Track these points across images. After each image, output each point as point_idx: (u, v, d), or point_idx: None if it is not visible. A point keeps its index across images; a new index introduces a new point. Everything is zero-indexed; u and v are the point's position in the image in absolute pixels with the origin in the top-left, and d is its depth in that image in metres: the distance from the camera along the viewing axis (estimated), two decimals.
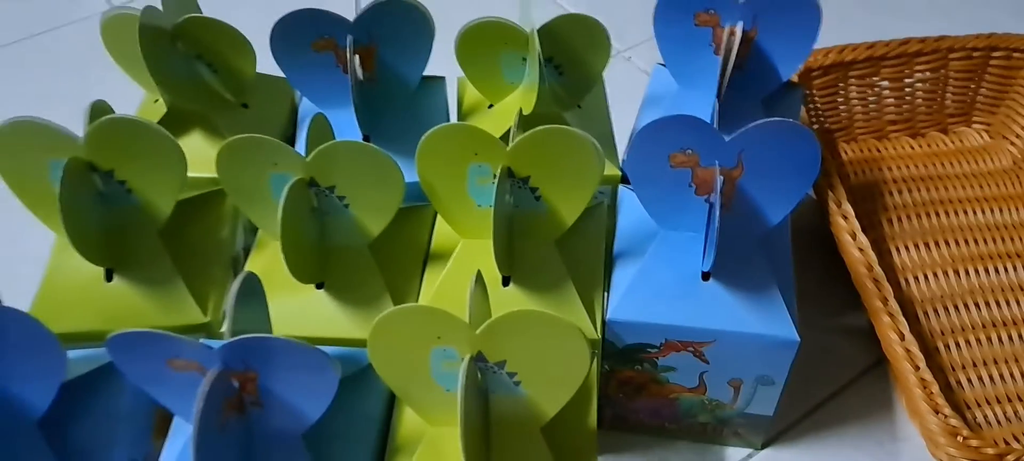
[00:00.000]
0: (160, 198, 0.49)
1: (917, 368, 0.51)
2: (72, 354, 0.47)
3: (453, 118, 0.61)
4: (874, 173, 0.67)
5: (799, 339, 0.47)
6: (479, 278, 0.41)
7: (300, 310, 0.48)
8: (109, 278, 0.49)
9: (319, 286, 0.49)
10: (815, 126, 0.68)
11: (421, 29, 0.53)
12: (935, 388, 0.50)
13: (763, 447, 0.57)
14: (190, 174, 0.54)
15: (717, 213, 0.45)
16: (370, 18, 0.52)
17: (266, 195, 0.47)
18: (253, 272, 0.41)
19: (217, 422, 0.38)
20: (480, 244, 0.48)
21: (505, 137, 0.49)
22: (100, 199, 0.49)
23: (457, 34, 0.54)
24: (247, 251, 0.54)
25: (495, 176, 0.45)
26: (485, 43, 0.54)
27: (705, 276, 0.48)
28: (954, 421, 0.49)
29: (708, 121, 0.53)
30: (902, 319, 0.53)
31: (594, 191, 0.47)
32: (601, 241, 0.51)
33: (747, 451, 0.56)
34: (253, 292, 0.41)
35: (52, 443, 0.43)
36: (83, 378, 0.46)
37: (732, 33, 0.52)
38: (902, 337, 0.52)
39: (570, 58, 0.55)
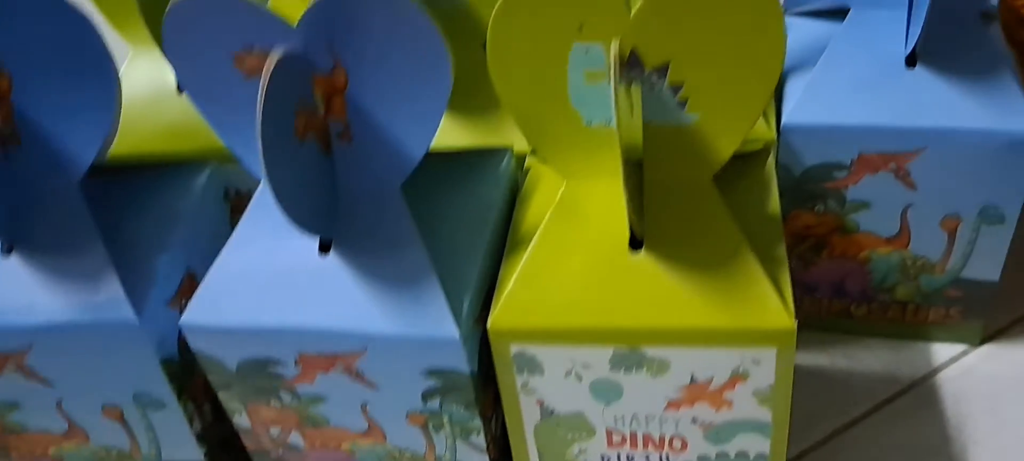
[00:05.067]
0: None
1: None
2: None
3: None
4: None
5: None
6: None
7: None
8: (181, 88, 0.42)
9: None
10: None
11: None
12: None
13: (982, 342, 0.44)
14: None
15: None
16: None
17: None
18: None
19: (290, 125, 0.30)
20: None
21: None
22: None
23: None
24: None
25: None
26: None
27: (910, 62, 0.38)
28: None
29: None
30: None
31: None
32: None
33: (960, 348, 0.44)
34: None
35: (98, 222, 0.35)
36: (147, 170, 0.39)
37: None
38: None
39: None
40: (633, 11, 0.29)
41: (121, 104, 0.33)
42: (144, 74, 0.43)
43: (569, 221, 0.32)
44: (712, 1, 0.29)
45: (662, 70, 0.30)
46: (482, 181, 0.36)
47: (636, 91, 0.31)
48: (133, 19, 0.42)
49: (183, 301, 0.37)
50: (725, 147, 0.31)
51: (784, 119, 0.38)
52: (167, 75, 0.43)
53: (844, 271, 0.42)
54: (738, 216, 0.33)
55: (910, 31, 0.37)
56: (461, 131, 0.40)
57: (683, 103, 0.31)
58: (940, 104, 0.37)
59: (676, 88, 0.31)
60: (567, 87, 0.31)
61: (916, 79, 0.38)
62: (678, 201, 0.32)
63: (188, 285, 0.37)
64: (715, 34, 0.29)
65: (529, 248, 0.32)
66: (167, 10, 0.30)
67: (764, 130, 0.38)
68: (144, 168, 0.39)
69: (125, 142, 0.41)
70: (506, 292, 0.32)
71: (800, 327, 0.45)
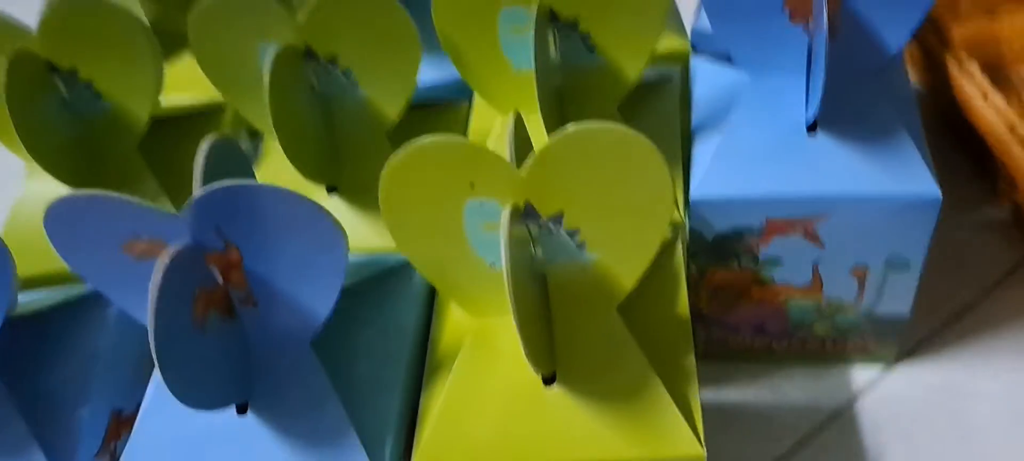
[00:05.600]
0: (134, 102, 0.41)
1: None
2: (41, 294, 0.39)
3: None
4: (989, 48, 0.56)
5: (940, 195, 0.37)
6: (519, 119, 0.32)
7: None
8: None
9: (331, 190, 0.40)
10: None
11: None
12: None
13: (897, 362, 0.45)
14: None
15: (822, 41, 0.35)
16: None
17: (256, 74, 0.38)
18: (226, 136, 0.32)
19: (187, 315, 0.29)
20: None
21: None
22: (63, 107, 0.41)
23: None
24: None
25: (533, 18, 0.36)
26: None
27: (811, 128, 0.38)
28: None
29: None
30: None
31: (661, 29, 0.37)
32: (675, 117, 0.42)
33: (877, 369, 0.45)
34: (230, 157, 0.32)
35: (11, 387, 0.34)
36: (53, 312, 0.38)
37: None
38: None
39: None
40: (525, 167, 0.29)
41: (17, 288, 0.33)
42: (44, 189, 0.42)
43: (482, 358, 0.33)
44: (600, 158, 0.29)
45: (558, 218, 0.30)
46: (394, 302, 0.37)
47: (535, 231, 0.31)
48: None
49: (112, 445, 0.37)
50: (627, 280, 0.32)
51: (692, 193, 0.38)
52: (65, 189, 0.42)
53: (763, 314, 0.44)
54: (647, 324, 0.33)
55: (809, 101, 0.37)
56: (369, 231, 0.40)
57: (582, 245, 0.31)
58: (841, 170, 0.37)
59: (573, 233, 0.31)
60: (465, 237, 0.31)
61: (817, 146, 0.38)
62: (586, 335, 0.32)
63: (114, 427, 0.37)
64: (605, 187, 0.29)
65: (445, 387, 0.33)
66: (46, 211, 0.30)
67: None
68: (55, 308, 0.38)
69: (32, 262, 0.40)
70: (425, 436, 0.32)
71: (726, 359, 0.46)
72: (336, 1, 0.36)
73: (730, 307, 0.43)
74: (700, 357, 0.46)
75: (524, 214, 0.30)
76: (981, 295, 0.47)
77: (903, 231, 0.38)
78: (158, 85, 0.41)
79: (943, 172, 0.53)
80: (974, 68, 0.47)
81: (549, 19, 0.37)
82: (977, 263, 0.48)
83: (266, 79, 0.35)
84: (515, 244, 0.28)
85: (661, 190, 0.29)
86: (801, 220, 0.38)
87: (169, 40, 0.47)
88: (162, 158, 0.43)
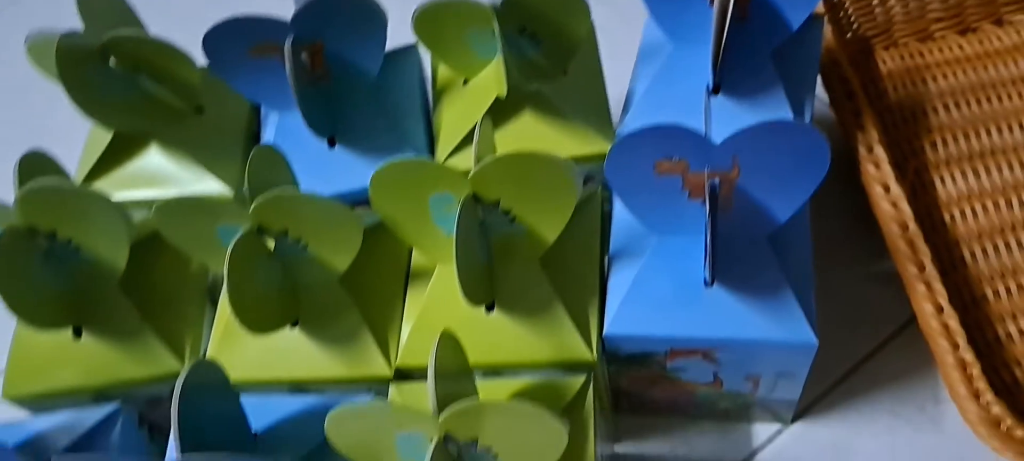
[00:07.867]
0: (110, 253, 0.46)
1: (956, 347, 0.46)
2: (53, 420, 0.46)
3: (429, 91, 0.55)
4: (917, 86, 0.59)
5: (817, 341, 0.42)
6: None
7: (275, 351, 0.45)
8: (78, 333, 0.47)
9: (294, 325, 0.46)
10: (847, 35, 0.60)
11: (369, 17, 0.47)
12: (976, 370, 0.45)
13: (794, 420, 0.53)
14: (153, 194, 0.51)
15: (710, 222, 0.39)
16: (308, 15, 0.46)
17: (217, 246, 0.43)
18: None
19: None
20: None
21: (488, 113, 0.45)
22: (47, 258, 0.45)
23: (412, 17, 0.47)
24: None
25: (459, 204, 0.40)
26: (446, 24, 0.48)
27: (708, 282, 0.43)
28: (997, 408, 0.44)
29: (708, 83, 0.47)
30: (940, 288, 0.47)
31: (573, 204, 0.42)
32: (594, 241, 0.46)
33: (776, 426, 0.53)
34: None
35: None
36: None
37: None
38: (940, 310, 0.46)
39: (546, 25, 0.48)
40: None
41: None
42: None
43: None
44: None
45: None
46: None
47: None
48: None
49: None
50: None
51: (606, 329, 0.44)
52: None
53: (675, 394, 0.50)
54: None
55: (706, 264, 0.42)
56: (329, 361, 0.46)
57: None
58: (732, 318, 0.43)
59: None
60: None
61: (713, 296, 0.43)
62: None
63: None
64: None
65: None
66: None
67: (585, 351, 0.44)
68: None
69: (34, 381, 0.47)
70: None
71: (644, 414, 0.53)
72: (277, 198, 0.41)
73: (645, 390, 0.50)
74: (622, 411, 0.54)
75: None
76: (871, 353, 0.54)
77: (787, 361, 0.44)
78: (128, 241, 0.45)
79: (842, 219, 0.58)
80: (881, 155, 0.51)
81: (474, 201, 0.41)
82: (869, 320, 0.54)
83: (226, 267, 0.40)
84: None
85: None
86: (699, 350, 0.44)
87: (133, 141, 0.51)
88: (142, 280, 0.48)
